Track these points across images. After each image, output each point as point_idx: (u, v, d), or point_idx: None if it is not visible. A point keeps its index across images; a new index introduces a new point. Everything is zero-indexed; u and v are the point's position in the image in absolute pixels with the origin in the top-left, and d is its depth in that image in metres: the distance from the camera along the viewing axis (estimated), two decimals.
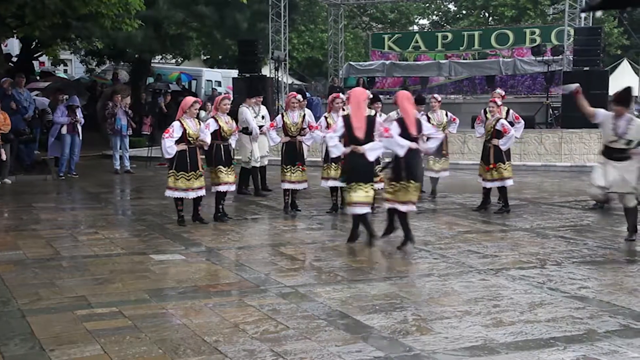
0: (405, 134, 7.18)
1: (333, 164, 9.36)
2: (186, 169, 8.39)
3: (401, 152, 7.19)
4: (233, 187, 9.06)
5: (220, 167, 8.76)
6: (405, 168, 7.23)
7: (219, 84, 28.27)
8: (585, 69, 17.29)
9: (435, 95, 11.39)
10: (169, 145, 8.24)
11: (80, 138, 14.34)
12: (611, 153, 7.56)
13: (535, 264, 6.66)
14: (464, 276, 6.25)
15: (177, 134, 8.30)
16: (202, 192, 8.60)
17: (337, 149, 7.42)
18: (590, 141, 16.33)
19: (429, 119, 10.35)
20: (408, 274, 6.30)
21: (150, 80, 25.51)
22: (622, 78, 24.24)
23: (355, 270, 6.41)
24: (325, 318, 4.96)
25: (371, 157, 7.32)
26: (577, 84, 8.06)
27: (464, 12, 38.02)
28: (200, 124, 8.57)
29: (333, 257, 6.98)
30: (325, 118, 9.61)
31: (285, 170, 9.54)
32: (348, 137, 7.31)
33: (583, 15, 18.87)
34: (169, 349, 4.36)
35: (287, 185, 9.62)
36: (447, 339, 4.53)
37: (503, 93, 10.69)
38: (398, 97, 7.53)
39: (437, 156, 10.48)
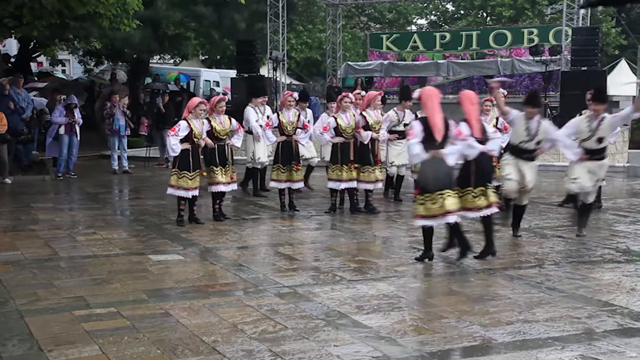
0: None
1: (344, 165, 9.34)
2: (189, 168, 8.46)
3: (473, 155, 6.76)
4: (230, 187, 9.00)
5: (213, 167, 8.76)
6: (476, 172, 6.78)
7: (217, 84, 28.25)
8: (583, 68, 17.31)
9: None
10: (174, 143, 8.33)
11: (79, 138, 14.33)
12: (522, 153, 7.62)
13: (534, 264, 6.67)
14: (462, 276, 6.25)
15: (183, 132, 8.36)
16: (196, 192, 8.65)
17: (419, 157, 6.56)
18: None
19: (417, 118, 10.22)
20: (406, 274, 6.30)
21: (149, 80, 25.49)
22: (619, 78, 24.29)
23: (354, 271, 6.41)
24: (324, 318, 4.96)
25: (451, 162, 6.64)
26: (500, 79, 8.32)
27: (462, 12, 38.00)
28: (204, 125, 8.64)
29: (331, 257, 6.98)
30: (335, 118, 9.45)
31: (282, 170, 9.54)
32: (427, 141, 6.51)
33: (582, 11, 18.88)
34: (167, 349, 4.36)
35: (283, 185, 9.63)
36: (445, 339, 4.53)
37: (505, 92, 10.54)
38: (462, 98, 7.01)
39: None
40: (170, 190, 8.60)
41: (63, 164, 14.01)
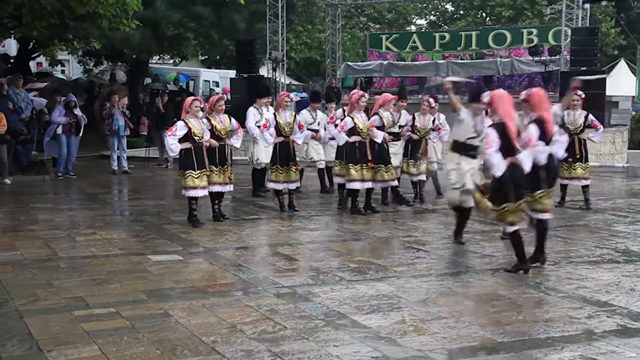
0: (543, 137, 6.48)
1: (351, 164, 9.36)
2: (193, 167, 8.43)
3: (544, 160, 6.46)
4: (227, 188, 8.90)
5: (212, 167, 8.69)
6: (547, 175, 6.51)
7: (217, 84, 28.26)
8: (583, 69, 17.30)
9: (430, 100, 10.56)
10: (172, 143, 8.36)
11: (79, 137, 14.32)
12: (467, 150, 7.52)
13: (533, 264, 6.66)
14: (462, 276, 6.26)
15: (181, 132, 8.37)
16: (205, 192, 8.64)
17: (500, 168, 6.18)
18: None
19: (414, 120, 10.21)
20: (405, 274, 6.31)
21: (148, 80, 25.49)
22: (619, 78, 24.31)
23: (353, 271, 6.41)
24: (323, 318, 4.96)
25: (527, 168, 6.36)
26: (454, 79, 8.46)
27: (461, 12, 38.01)
28: (204, 123, 8.63)
29: (331, 257, 6.99)
30: (352, 118, 9.43)
31: (280, 171, 9.55)
32: (505, 148, 6.21)
33: (581, 11, 18.88)
34: (167, 349, 4.36)
35: (281, 186, 9.64)
36: (444, 339, 4.54)
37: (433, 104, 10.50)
38: (534, 98, 6.70)
39: (417, 159, 10.29)
40: (183, 192, 8.59)
41: (63, 164, 14.01)
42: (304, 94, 27.06)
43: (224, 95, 8.68)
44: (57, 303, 5.35)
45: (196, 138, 8.46)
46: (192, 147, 8.45)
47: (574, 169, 9.98)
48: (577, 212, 9.92)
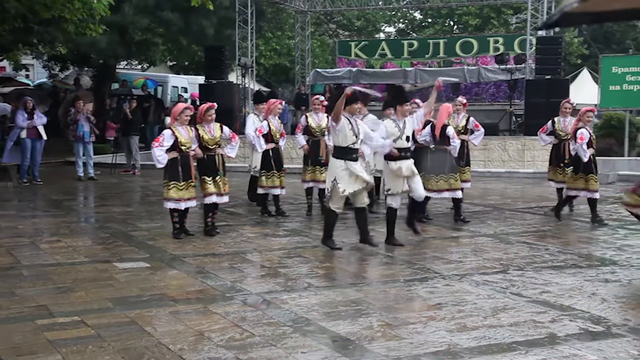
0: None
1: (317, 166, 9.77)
2: (178, 178, 8.03)
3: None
4: (223, 199, 8.45)
5: (205, 177, 8.32)
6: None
7: (185, 90, 28.07)
8: (547, 77, 17.62)
9: (460, 98, 10.47)
10: (159, 155, 7.91)
11: (44, 142, 14.10)
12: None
13: (499, 269, 6.75)
14: (429, 282, 6.31)
15: (168, 142, 7.96)
16: (192, 203, 8.25)
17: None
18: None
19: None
20: (374, 280, 6.34)
21: (115, 86, 25.24)
22: (582, 86, 24.76)
23: (321, 277, 6.42)
24: (291, 325, 4.96)
25: None
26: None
27: (429, 20, 38.42)
28: (192, 132, 8.22)
29: (299, 263, 6.99)
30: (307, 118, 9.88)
31: (275, 177, 9.62)
32: None
33: (541, 32, 19.23)
34: (133, 358, 4.31)
35: (277, 191, 9.77)
36: (412, 345, 4.57)
37: (464, 101, 10.67)
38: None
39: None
40: (166, 204, 8.16)
41: (27, 169, 13.78)
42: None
43: (214, 104, 8.30)
44: (19, 312, 5.26)
45: (183, 148, 8.06)
46: (179, 157, 8.05)
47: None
48: (541, 217, 10.06)
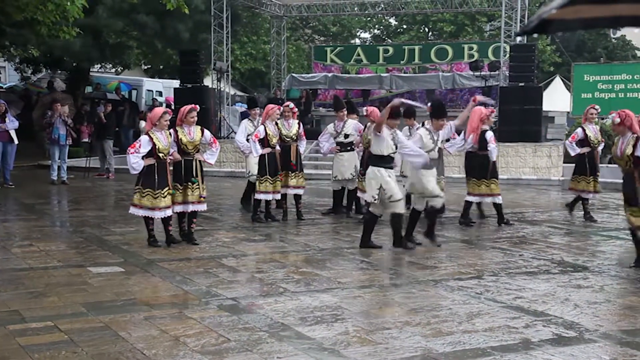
0: None
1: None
2: (153, 186, 7.68)
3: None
4: (199, 207, 8.19)
5: (177, 184, 8.07)
6: None
7: (160, 94, 27.90)
8: (521, 84, 17.83)
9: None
10: (135, 162, 7.58)
11: (15, 145, 13.90)
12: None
13: (474, 275, 6.81)
14: (405, 287, 6.34)
15: (145, 149, 7.63)
16: (169, 212, 7.89)
17: None
18: (525, 154, 16.85)
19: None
20: (349, 285, 6.35)
21: (89, 89, 24.99)
22: (554, 94, 25.12)
23: (297, 282, 6.42)
24: (267, 330, 4.95)
25: None
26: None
27: (404, 26, 38.66)
28: (171, 137, 7.91)
29: (275, 268, 6.98)
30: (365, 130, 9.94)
31: (270, 182, 9.61)
32: None
33: (519, 38, 19.47)
34: None
35: (270, 197, 9.75)
36: (387, 350, 4.59)
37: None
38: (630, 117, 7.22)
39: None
40: (132, 210, 7.83)
41: None
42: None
43: (196, 106, 8.00)
44: None
45: (161, 155, 7.74)
46: (155, 164, 7.72)
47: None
48: (515, 224, 10.16)
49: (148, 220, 7.96)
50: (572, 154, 10.43)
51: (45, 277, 6.47)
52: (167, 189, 7.82)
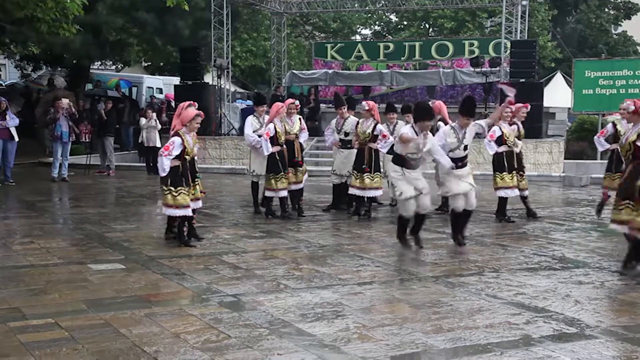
0: None
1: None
2: (182, 183, 7.67)
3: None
4: (199, 204, 8.28)
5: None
6: None
7: (160, 91, 27.88)
8: (522, 80, 17.81)
9: (363, 104, 10.36)
10: (167, 164, 7.52)
11: (16, 142, 13.90)
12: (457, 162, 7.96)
13: (474, 271, 6.81)
14: (405, 283, 6.33)
15: (177, 151, 7.59)
16: (199, 204, 8.16)
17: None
18: (526, 151, 16.80)
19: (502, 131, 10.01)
20: (350, 282, 6.35)
21: (90, 86, 24.97)
22: (555, 90, 25.08)
23: (298, 279, 6.42)
24: (267, 327, 4.95)
25: None
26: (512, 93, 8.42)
27: (405, 23, 38.58)
28: (195, 139, 7.94)
29: (275, 265, 6.98)
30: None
31: (284, 178, 9.67)
32: None
33: (520, 25, 19.43)
34: None
35: (284, 193, 9.80)
36: (388, 346, 4.59)
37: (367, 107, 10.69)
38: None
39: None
40: (169, 211, 7.71)
41: None
42: (249, 102, 26.99)
43: (202, 114, 7.89)
44: None
45: (187, 157, 7.77)
46: (180, 165, 7.70)
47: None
48: (516, 220, 10.15)
49: (182, 221, 7.83)
50: (601, 149, 10.34)
51: (45, 274, 6.47)
52: (189, 187, 7.85)
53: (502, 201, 9.99)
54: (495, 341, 4.72)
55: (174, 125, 7.78)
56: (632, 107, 7.04)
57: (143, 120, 16.80)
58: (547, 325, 5.09)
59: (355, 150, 10.20)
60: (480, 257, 7.48)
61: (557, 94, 24.16)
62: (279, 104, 10.04)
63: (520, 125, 10.23)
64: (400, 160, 7.58)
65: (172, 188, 7.62)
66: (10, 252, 7.50)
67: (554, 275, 6.71)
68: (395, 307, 5.52)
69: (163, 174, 7.60)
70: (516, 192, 10.00)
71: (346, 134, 10.32)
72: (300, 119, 10.36)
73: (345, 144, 10.34)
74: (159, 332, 4.81)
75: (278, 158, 9.67)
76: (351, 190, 10.02)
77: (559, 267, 7.09)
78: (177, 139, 7.63)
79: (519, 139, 10.17)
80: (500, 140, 9.95)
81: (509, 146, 9.99)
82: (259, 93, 12.49)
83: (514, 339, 4.78)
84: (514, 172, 9.95)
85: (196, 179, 8.13)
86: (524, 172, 10.23)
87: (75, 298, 5.64)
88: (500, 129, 9.95)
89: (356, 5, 26.09)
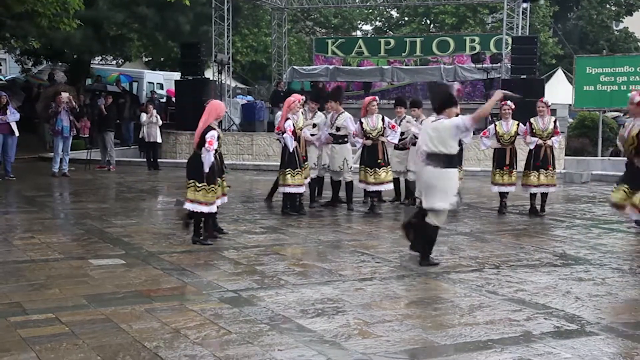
0: None
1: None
2: (215, 180, 7.71)
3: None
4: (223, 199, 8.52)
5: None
6: None
7: (161, 86, 27.88)
8: (523, 76, 17.78)
9: (545, 100, 10.44)
10: (212, 160, 7.53)
11: (16, 137, 13.88)
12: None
13: (475, 268, 6.80)
14: (405, 279, 6.33)
15: (216, 145, 7.62)
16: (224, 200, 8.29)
17: None
18: (526, 147, 16.79)
19: (531, 125, 10.09)
20: (350, 277, 6.35)
21: (90, 81, 24.96)
22: (556, 86, 25.06)
23: (298, 274, 6.42)
24: (268, 322, 4.95)
25: None
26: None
27: (406, 18, 38.55)
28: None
29: (276, 261, 6.98)
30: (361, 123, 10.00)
31: (300, 174, 9.59)
32: None
33: (521, 21, 19.40)
34: (108, 355, 4.27)
35: (302, 189, 9.76)
36: (388, 342, 4.58)
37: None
38: None
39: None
40: (203, 208, 7.59)
41: None
42: (250, 97, 26.97)
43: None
44: None
45: (218, 150, 7.85)
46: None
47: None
48: (515, 216, 10.16)
49: (208, 217, 7.81)
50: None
51: (46, 269, 6.47)
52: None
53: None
54: (495, 337, 4.71)
55: (206, 120, 7.68)
56: (638, 99, 7.02)
57: (144, 116, 16.79)
58: (547, 321, 5.08)
59: (348, 146, 10.31)
60: (481, 254, 7.48)
61: (558, 91, 24.13)
62: (290, 99, 9.93)
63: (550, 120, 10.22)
64: (458, 160, 7.07)
65: (206, 184, 7.54)
66: (11, 247, 7.50)
67: (554, 271, 6.70)
68: (396, 303, 5.51)
69: (207, 170, 7.51)
70: (504, 188, 10.30)
71: (338, 129, 10.30)
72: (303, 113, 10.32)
73: (336, 139, 10.32)
74: (160, 327, 4.81)
75: (296, 154, 9.57)
76: (366, 187, 10.07)
77: (559, 263, 7.09)
78: (214, 133, 7.56)
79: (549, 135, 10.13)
80: (496, 138, 10.32)
81: (502, 144, 10.28)
82: (318, 88, 12.44)
83: (515, 335, 4.78)
84: (504, 168, 10.25)
85: (224, 174, 8.19)
86: (548, 169, 10.13)
87: (76, 293, 5.64)
88: (495, 126, 10.29)
89: (357, 1, 26.06)
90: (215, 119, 7.73)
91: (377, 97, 10.80)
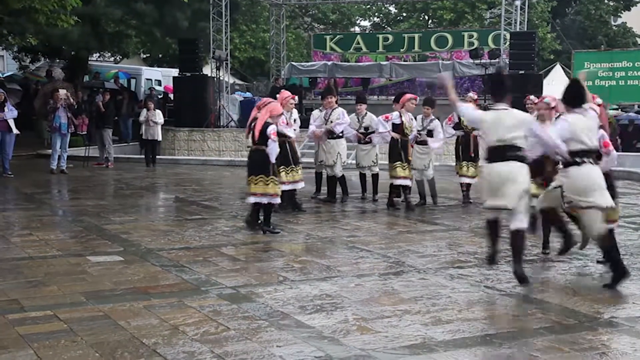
0: None
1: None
2: (275, 173, 8.10)
3: None
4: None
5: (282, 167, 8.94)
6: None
7: (159, 82, 27.84)
8: (521, 72, 17.78)
9: (532, 97, 9.73)
10: (277, 150, 7.97)
11: (14, 134, 13.87)
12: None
13: (473, 263, 6.81)
14: (404, 275, 6.33)
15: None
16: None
17: None
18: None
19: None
20: (349, 273, 6.35)
21: (88, 78, 24.92)
22: (555, 81, 25.03)
23: (297, 271, 6.42)
24: (267, 319, 4.95)
25: None
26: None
27: (404, 14, 38.52)
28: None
29: (274, 257, 6.98)
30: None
31: (295, 171, 9.58)
32: None
33: (520, 16, 19.39)
34: (106, 352, 4.27)
35: (301, 185, 9.76)
36: (387, 338, 4.58)
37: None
38: None
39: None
40: (275, 200, 8.01)
41: None
42: (248, 94, 26.95)
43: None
44: None
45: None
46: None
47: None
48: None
49: (270, 208, 8.05)
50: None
51: (44, 266, 6.47)
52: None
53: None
54: (494, 332, 4.72)
55: (263, 116, 7.84)
56: (553, 104, 6.96)
57: (143, 114, 16.74)
58: (545, 316, 5.09)
59: (343, 141, 10.42)
60: (480, 249, 7.47)
61: (557, 86, 24.10)
62: (283, 95, 9.82)
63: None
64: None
65: (274, 177, 7.92)
66: (9, 244, 7.49)
67: (552, 267, 6.71)
68: (395, 299, 5.51)
69: (274, 161, 7.88)
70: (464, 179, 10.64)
71: (366, 129, 10.43)
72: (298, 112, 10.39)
73: (331, 134, 10.33)
74: (158, 324, 4.81)
75: (289, 151, 9.51)
76: (399, 182, 9.98)
77: (557, 258, 7.08)
78: (274, 126, 7.87)
79: None
80: (459, 126, 10.50)
81: (465, 131, 10.47)
82: (361, 92, 12.58)
83: (513, 330, 4.78)
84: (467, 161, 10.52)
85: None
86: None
87: (74, 290, 5.63)
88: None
89: None
90: (270, 117, 7.90)
91: (417, 96, 10.70)
